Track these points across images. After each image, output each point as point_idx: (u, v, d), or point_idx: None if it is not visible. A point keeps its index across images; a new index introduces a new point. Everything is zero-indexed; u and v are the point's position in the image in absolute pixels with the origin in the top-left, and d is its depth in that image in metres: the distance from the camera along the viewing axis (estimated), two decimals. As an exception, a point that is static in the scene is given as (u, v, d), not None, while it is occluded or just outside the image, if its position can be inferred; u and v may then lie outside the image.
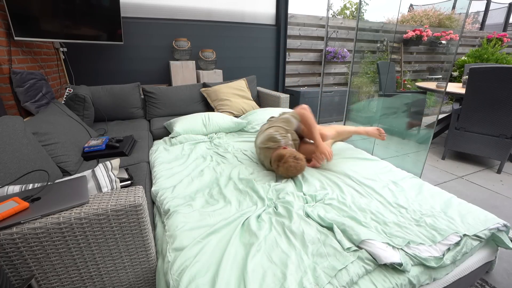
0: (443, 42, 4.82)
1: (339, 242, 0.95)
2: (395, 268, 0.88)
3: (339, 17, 5.28)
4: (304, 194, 1.29)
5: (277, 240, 0.98)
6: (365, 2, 4.37)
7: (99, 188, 0.91)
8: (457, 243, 0.99)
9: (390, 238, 0.98)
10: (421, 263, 0.90)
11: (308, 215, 1.12)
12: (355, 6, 5.17)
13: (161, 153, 1.78)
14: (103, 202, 0.80)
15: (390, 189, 1.33)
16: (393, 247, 0.93)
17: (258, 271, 0.84)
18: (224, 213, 1.14)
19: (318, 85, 4.18)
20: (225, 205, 1.21)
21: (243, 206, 1.20)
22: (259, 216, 1.12)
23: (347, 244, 0.93)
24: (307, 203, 1.22)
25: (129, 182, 1.23)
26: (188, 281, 0.79)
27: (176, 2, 3.00)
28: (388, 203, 1.21)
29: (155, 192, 1.32)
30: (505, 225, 1.10)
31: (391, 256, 0.87)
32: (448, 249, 0.97)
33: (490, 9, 6.12)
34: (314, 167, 1.58)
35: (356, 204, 1.20)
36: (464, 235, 1.02)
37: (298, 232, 1.00)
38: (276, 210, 1.16)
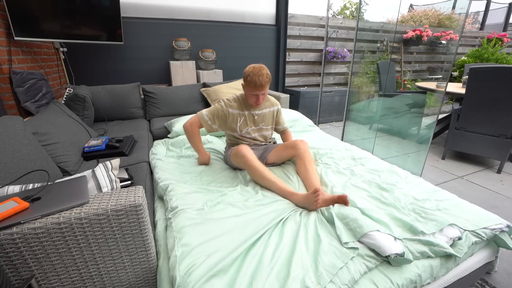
0: (443, 42, 4.81)
1: (338, 236, 0.95)
2: (395, 268, 0.88)
3: (339, 17, 5.28)
4: None
5: (283, 236, 0.98)
6: (365, 2, 4.37)
7: (99, 188, 0.91)
8: (459, 238, 0.99)
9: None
10: (429, 256, 0.93)
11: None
12: (355, 6, 5.17)
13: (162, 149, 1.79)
14: (103, 202, 0.79)
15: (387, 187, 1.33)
16: (395, 238, 0.94)
17: (263, 269, 0.84)
18: (233, 212, 1.14)
19: (318, 85, 4.17)
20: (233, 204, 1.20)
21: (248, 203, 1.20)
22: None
23: (345, 238, 0.93)
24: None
25: (129, 182, 1.23)
26: (197, 278, 0.79)
27: (176, 2, 3.00)
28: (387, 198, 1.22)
29: (164, 187, 1.31)
30: (508, 226, 1.10)
31: (394, 247, 0.88)
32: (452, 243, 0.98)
33: (490, 9, 6.12)
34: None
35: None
36: (466, 230, 1.03)
37: (301, 228, 1.01)
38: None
